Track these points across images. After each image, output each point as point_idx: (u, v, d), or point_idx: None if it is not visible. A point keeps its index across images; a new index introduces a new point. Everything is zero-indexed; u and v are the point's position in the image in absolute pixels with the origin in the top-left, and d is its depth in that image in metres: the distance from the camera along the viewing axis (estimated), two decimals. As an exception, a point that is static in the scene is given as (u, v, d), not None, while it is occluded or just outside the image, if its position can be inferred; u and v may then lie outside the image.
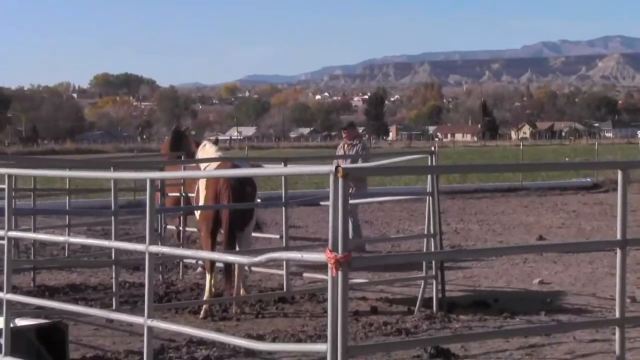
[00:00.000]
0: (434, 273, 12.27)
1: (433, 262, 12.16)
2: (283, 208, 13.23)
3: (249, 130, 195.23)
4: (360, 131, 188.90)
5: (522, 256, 16.67)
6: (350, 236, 17.42)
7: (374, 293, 13.56)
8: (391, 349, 9.72)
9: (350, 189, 17.46)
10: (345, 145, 18.53)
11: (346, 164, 13.50)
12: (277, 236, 14.18)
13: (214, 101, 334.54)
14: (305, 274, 13.96)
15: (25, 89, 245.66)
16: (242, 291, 12.57)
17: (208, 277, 12.38)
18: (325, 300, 11.51)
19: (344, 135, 19.04)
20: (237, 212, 12.40)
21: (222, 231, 12.55)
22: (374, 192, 25.11)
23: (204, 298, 12.34)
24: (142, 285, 12.58)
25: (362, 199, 16.69)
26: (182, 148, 17.25)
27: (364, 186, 18.07)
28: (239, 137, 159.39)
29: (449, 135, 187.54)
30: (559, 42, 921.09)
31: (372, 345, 9.83)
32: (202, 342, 10.21)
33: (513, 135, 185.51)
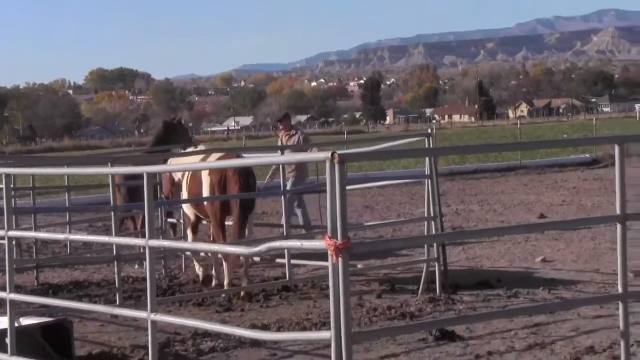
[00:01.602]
0: (436, 256, 12.28)
1: (435, 244, 12.17)
2: (282, 197, 13.27)
3: (247, 120, 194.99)
4: (358, 116, 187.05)
5: (524, 235, 16.67)
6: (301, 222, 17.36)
7: (377, 278, 13.57)
8: (396, 333, 9.74)
9: (292, 179, 17.33)
10: (285, 137, 17.99)
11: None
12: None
13: (210, 92, 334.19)
14: (299, 262, 13.94)
15: (21, 87, 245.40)
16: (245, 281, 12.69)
17: (226, 266, 12.61)
18: (329, 287, 11.53)
19: (280, 127, 18.53)
20: (245, 200, 12.70)
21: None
22: (374, 177, 25.14)
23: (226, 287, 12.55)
24: (145, 279, 12.61)
25: (359, 184, 16.68)
26: (171, 141, 16.44)
27: (305, 176, 17.76)
28: (236, 128, 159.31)
29: (446, 117, 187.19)
30: (553, 19, 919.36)
31: (376, 330, 9.85)
32: (207, 334, 10.22)
33: (511, 114, 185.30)
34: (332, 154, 5.78)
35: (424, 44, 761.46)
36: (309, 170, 18.18)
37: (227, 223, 13.11)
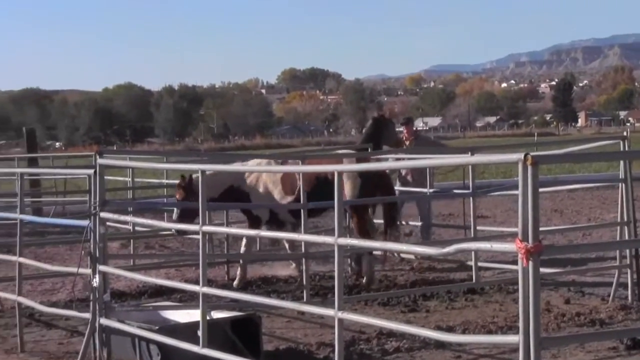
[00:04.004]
0: (628, 262, 11.92)
1: (627, 250, 11.81)
2: (471, 198, 13.16)
3: (435, 121, 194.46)
4: (548, 118, 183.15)
5: None
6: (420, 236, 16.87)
7: (566, 283, 13.28)
8: (585, 340, 9.48)
9: (411, 182, 16.80)
10: (407, 141, 17.46)
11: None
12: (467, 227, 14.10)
13: (399, 92, 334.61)
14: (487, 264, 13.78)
15: (217, 86, 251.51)
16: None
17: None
18: (515, 291, 11.34)
19: (404, 131, 17.81)
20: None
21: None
22: (563, 180, 24.61)
23: None
24: (331, 277, 12.76)
25: (550, 186, 16.31)
26: (382, 137, 16.52)
27: (424, 181, 16.92)
28: (424, 128, 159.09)
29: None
30: None
31: (565, 336, 9.61)
32: (392, 333, 10.24)
33: None
34: (525, 156, 5.68)
35: (619, 44, 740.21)
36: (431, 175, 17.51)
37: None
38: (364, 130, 17.86)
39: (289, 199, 13.82)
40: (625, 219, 11.93)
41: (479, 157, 12.50)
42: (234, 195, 14.12)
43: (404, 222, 17.17)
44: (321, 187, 13.06)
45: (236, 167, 13.57)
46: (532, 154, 5.70)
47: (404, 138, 17.64)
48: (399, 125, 19.16)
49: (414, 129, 18.28)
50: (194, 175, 13.71)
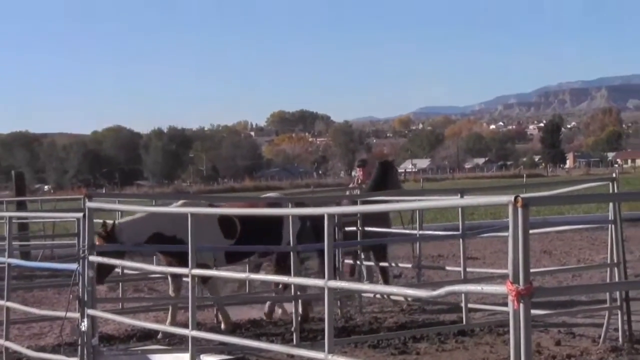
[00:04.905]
0: (618, 304, 11.89)
1: (617, 292, 11.79)
2: (461, 240, 13.15)
3: (424, 162, 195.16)
4: (537, 159, 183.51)
5: None
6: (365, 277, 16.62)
7: (556, 324, 13.24)
8: (577, 382, 9.45)
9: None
10: (361, 183, 17.41)
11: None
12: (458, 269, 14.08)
13: (387, 134, 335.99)
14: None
15: (206, 129, 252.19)
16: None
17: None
18: (506, 332, 11.31)
19: (359, 174, 17.97)
20: None
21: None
22: (553, 221, 24.62)
23: None
24: (321, 320, 12.71)
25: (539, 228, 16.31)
26: (388, 182, 16.68)
27: (385, 225, 16.79)
28: (413, 170, 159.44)
29: (629, 161, 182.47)
30: None
31: (556, 379, 9.59)
32: (382, 376, 10.17)
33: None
34: (515, 198, 5.68)
35: (606, 86, 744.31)
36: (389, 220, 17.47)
37: None
38: (372, 176, 17.32)
39: (229, 242, 13.77)
40: (615, 260, 11.92)
41: (469, 199, 12.54)
42: (162, 242, 13.13)
43: (393, 264, 17.15)
44: (250, 230, 13.42)
45: (229, 209, 13.47)
46: (522, 196, 5.70)
47: (359, 181, 17.67)
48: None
49: (369, 172, 18.11)
50: (116, 222, 13.48)
